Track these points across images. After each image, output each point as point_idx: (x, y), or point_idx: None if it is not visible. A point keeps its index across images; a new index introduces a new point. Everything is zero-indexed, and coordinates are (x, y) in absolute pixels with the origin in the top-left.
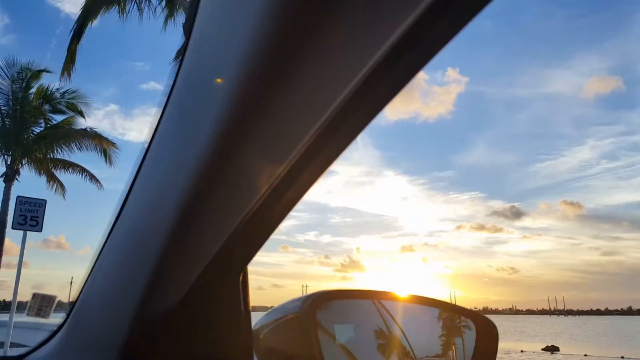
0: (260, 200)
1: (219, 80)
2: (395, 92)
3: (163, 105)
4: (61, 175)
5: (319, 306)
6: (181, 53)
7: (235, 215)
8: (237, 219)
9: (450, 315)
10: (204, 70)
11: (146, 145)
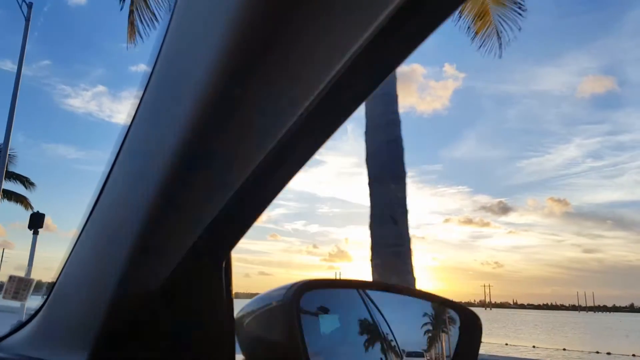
0: (245, 184)
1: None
2: (375, 85)
3: (144, 86)
4: None
5: (304, 295)
6: (162, 38)
7: (218, 200)
8: (220, 204)
9: (435, 306)
10: (184, 54)
11: (127, 127)
